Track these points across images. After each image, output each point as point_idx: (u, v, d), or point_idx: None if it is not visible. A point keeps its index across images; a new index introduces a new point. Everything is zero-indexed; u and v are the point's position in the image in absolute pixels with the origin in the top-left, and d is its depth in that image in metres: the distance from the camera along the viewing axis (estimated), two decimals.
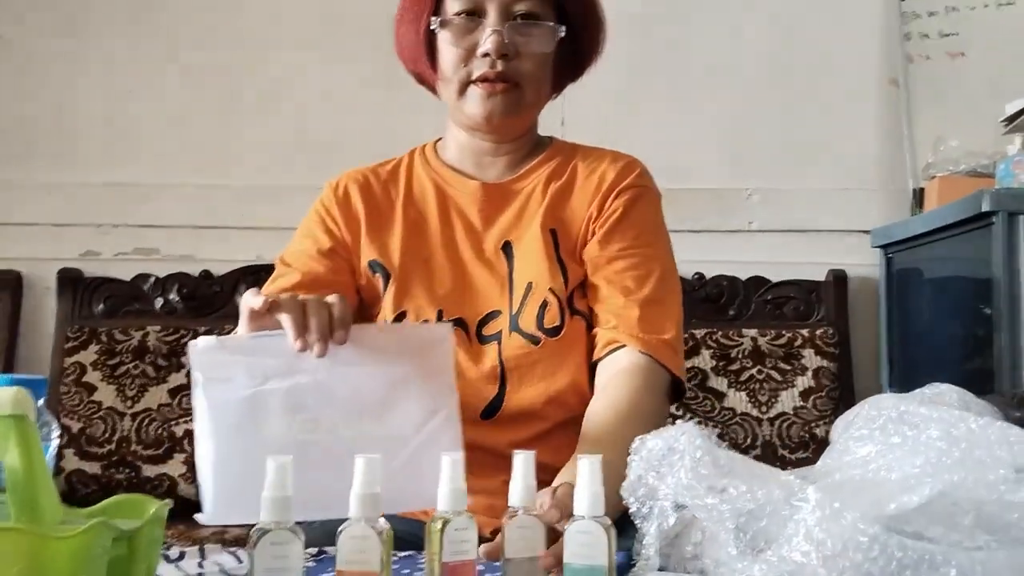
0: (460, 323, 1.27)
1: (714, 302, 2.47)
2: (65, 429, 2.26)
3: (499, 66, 1.24)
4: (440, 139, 1.41)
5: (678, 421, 0.83)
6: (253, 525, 0.77)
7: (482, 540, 0.88)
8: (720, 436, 2.23)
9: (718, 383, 2.35)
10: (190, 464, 2.24)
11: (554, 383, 1.26)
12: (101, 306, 2.46)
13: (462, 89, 1.27)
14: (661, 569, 0.82)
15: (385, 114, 2.49)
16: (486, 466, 1.19)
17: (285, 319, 1.00)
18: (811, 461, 0.91)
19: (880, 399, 0.89)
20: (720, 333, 2.41)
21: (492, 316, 1.28)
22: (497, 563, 0.85)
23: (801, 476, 0.80)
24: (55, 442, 0.85)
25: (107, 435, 2.27)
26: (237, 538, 2.01)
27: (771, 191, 2.55)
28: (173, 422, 2.28)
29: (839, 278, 2.48)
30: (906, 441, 0.80)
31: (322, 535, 0.98)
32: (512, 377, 1.26)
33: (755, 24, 2.60)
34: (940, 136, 2.37)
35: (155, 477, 2.24)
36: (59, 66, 2.58)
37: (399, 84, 1.42)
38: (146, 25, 2.60)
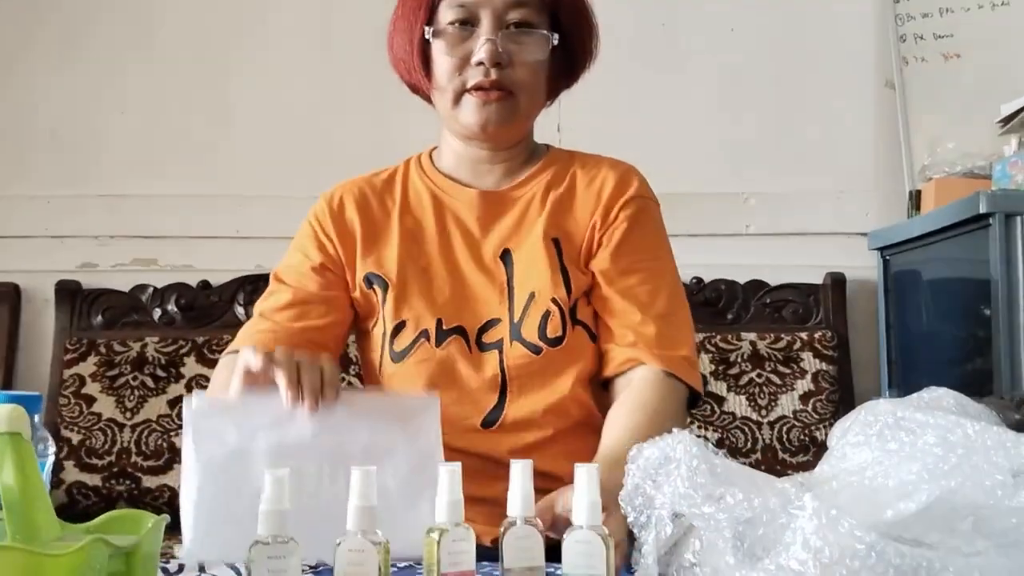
0: (460, 331, 1.27)
1: (713, 306, 2.47)
2: (65, 441, 2.26)
3: (493, 74, 1.24)
4: (435, 148, 1.41)
5: (675, 429, 0.83)
6: (256, 537, 0.77)
7: (482, 549, 0.88)
8: (720, 440, 2.27)
9: (717, 387, 2.35)
10: None
11: (555, 392, 1.26)
12: (99, 317, 2.46)
13: (457, 98, 1.28)
14: None
15: (381, 123, 2.49)
16: (486, 474, 1.19)
17: (280, 376, 1.02)
18: (812, 464, 0.91)
19: (876, 404, 0.89)
20: (719, 337, 2.41)
21: (492, 324, 1.28)
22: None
23: (798, 484, 0.80)
24: (51, 458, 0.85)
25: (107, 446, 2.27)
26: None
27: (768, 195, 2.55)
28: (173, 433, 2.28)
29: (837, 281, 2.48)
30: (903, 447, 0.80)
31: None
32: (513, 386, 1.26)
33: (750, 28, 2.60)
34: (936, 138, 2.37)
35: (155, 488, 2.23)
36: (55, 78, 2.58)
37: (395, 93, 1.42)
38: (141, 36, 2.60)
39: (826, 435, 2.09)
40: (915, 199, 2.41)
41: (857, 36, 2.59)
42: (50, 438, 0.85)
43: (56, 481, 2.22)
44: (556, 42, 1.29)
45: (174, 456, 2.26)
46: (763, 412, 2.33)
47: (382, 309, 1.30)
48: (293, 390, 1.02)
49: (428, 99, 1.36)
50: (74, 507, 2.22)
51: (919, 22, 2.52)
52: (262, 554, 0.76)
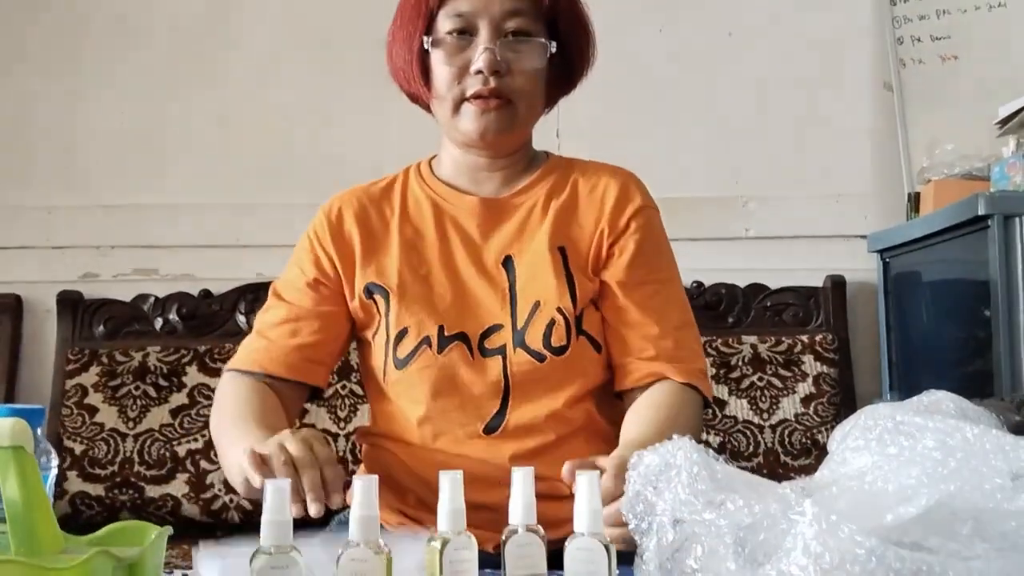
0: (462, 337, 1.27)
1: (713, 309, 2.47)
2: (68, 451, 2.26)
3: (492, 83, 1.25)
4: (435, 156, 1.41)
5: (675, 436, 0.83)
6: (257, 547, 0.78)
7: (484, 556, 0.88)
8: (722, 444, 2.27)
9: (719, 391, 2.35)
10: (193, 484, 2.24)
11: (557, 400, 1.26)
12: (101, 328, 2.46)
13: (456, 107, 1.29)
14: None
15: (381, 131, 2.49)
16: (488, 480, 1.19)
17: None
18: (814, 468, 0.91)
19: (876, 409, 0.89)
20: (720, 341, 2.41)
21: (494, 330, 1.28)
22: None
23: (798, 489, 0.80)
24: (54, 471, 0.85)
25: (109, 456, 2.27)
26: None
27: (767, 198, 2.55)
28: (175, 442, 2.28)
29: (837, 284, 2.48)
30: (902, 451, 0.80)
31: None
32: (516, 392, 1.26)
33: (748, 31, 2.60)
34: (935, 140, 2.37)
35: (159, 498, 2.24)
36: (56, 89, 2.59)
37: (395, 101, 1.43)
38: (142, 47, 2.60)
39: (827, 438, 2.09)
40: (914, 201, 2.41)
41: (855, 39, 2.60)
42: (53, 451, 0.85)
43: (59, 492, 2.22)
44: (554, 50, 1.30)
45: (177, 465, 2.26)
46: (764, 415, 2.33)
47: (385, 317, 1.30)
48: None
49: (428, 108, 1.36)
50: (77, 517, 2.22)
51: (916, 24, 2.52)
52: (265, 564, 0.76)
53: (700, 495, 0.78)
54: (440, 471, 0.86)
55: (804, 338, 2.41)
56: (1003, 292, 1.87)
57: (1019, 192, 2.02)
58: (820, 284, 2.50)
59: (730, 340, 2.41)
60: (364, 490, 0.80)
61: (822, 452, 2.10)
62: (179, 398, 2.33)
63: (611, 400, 1.30)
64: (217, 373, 2.35)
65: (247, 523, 2.21)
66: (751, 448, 2.30)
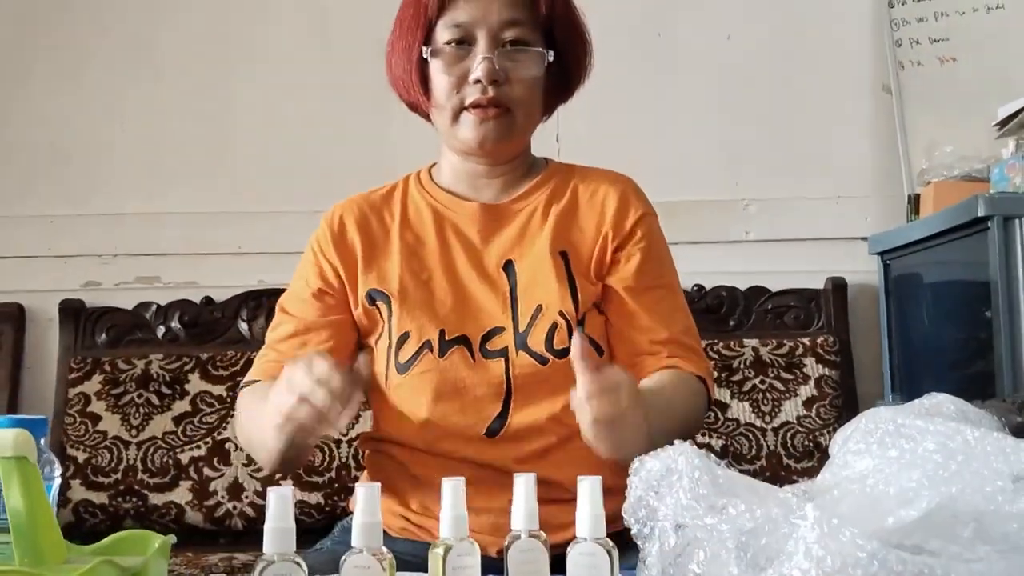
0: (463, 340, 1.28)
1: (714, 313, 2.48)
2: (71, 460, 2.27)
3: (491, 91, 1.27)
4: (434, 164, 1.43)
5: (676, 441, 0.83)
6: (260, 554, 0.78)
7: (487, 561, 0.88)
8: (724, 447, 2.27)
9: (721, 394, 2.36)
10: (196, 491, 2.25)
11: (559, 402, 1.26)
12: (103, 336, 2.46)
13: (455, 115, 1.30)
14: None
15: (381, 138, 2.50)
16: (491, 485, 1.20)
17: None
18: (816, 470, 0.91)
19: (877, 412, 0.90)
20: (721, 344, 2.41)
21: (495, 332, 1.29)
22: None
23: (800, 493, 0.80)
24: (57, 481, 0.85)
25: (113, 464, 2.27)
26: (245, 564, 2.02)
27: (767, 201, 2.56)
28: (178, 449, 2.28)
29: (838, 286, 2.49)
30: (903, 454, 0.80)
31: (325, 563, 0.99)
32: (518, 395, 1.26)
33: (746, 35, 2.61)
34: (934, 141, 2.38)
35: (162, 505, 2.24)
36: (56, 98, 2.60)
37: (394, 109, 1.44)
38: (142, 55, 2.61)
39: (830, 440, 2.09)
40: (914, 203, 2.41)
41: (853, 41, 2.60)
42: (56, 461, 0.85)
43: (63, 500, 2.23)
44: (551, 59, 1.32)
45: (180, 473, 2.26)
46: (767, 418, 2.33)
47: (387, 323, 1.31)
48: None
49: (427, 117, 1.38)
50: (81, 526, 2.23)
51: (915, 26, 2.53)
52: (268, 573, 0.76)
53: (702, 500, 0.78)
54: (442, 478, 0.87)
55: (805, 340, 2.41)
56: (1004, 293, 1.87)
57: (1019, 193, 2.02)
58: (821, 286, 2.50)
59: (731, 343, 2.41)
60: (367, 497, 0.81)
61: (824, 454, 2.10)
62: (182, 406, 2.33)
63: None
64: (220, 380, 2.36)
65: (250, 530, 2.21)
66: (753, 451, 2.30)
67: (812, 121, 2.58)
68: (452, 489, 0.84)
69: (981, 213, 1.90)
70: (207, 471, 2.26)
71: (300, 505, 2.22)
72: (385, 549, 0.80)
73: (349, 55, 2.54)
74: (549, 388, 1.27)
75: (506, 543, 0.86)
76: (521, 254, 1.32)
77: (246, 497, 2.24)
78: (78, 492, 2.25)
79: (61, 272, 2.54)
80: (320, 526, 2.11)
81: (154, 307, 2.49)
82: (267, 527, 0.78)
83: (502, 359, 1.27)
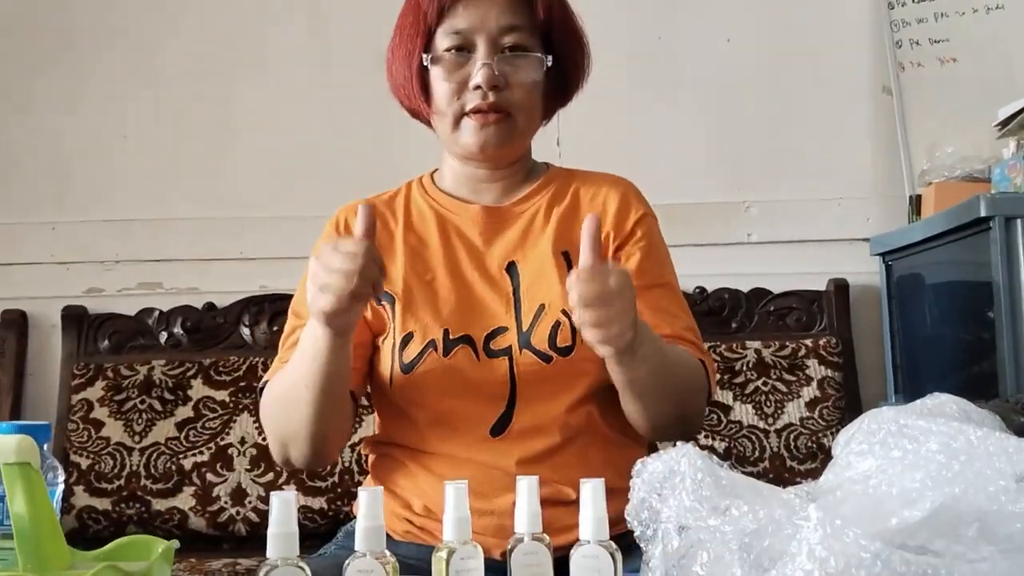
0: (467, 340, 1.28)
1: (716, 315, 2.48)
2: (74, 466, 2.27)
3: (491, 97, 1.28)
4: (436, 170, 1.44)
5: (678, 443, 0.83)
6: (263, 559, 0.78)
7: (490, 563, 0.88)
8: (728, 449, 2.27)
9: (723, 396, 2.35)
10: (199, 497, 2.25)
11: (563, 401, 1.27)
12: (106, 342, 2.47)
13: (456, 121, 1.31)
14: None
15: (381, 143, 2.50)
16: (495, 485, 1.21)
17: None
18: (820, 471, 0.92)
19: (880, 412, 0.90)
20: (724, 346, 2.41)
21: (498, 332, 1.29)
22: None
23: (803, 494, 0.81)
24: (60, 487, 0.85)
25: (116, 471, 2.27)
26: (248, 569, 2.02)
27: (769, 203, 2.56)
28: (181, 455, 2.28)
29: (840, 287, 2.49)
30: (906, 455, 0.80)
31: (329, 567, 0.99)
32: (522, 394, 1.27)
33: (746, 37, 2.61)
34: (935, 142, 2.38)
35: (165, 511, 2.24)
36: (58, 106, 2.60)
37: (394, 114, 1.44)
38: (143, 63, 2.62)
39: (833, 441, 2.09)
40: (915, 204, 2.42)
41: (853, 43, 2.60)
42: (59, 467, 0.85)
43: (66, 506, 2.23)
44: (550, 63, 1.33)
45: (183, 478, 2.26)
46: (770, 420, 2.33)
47: (391, 323, 1.31)
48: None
49: (428, 123, 1.39)
50: (84, 532, 2.23)
51: (914, 28, 2.53)
52: None
53: (705, 501, 0.78)
54: (445, 481, 0.87)
55: (808, 342, 2.41)
56: (1006, 293, 1.87)
57: (1020, 193, 2.02)
58: (823, 288, 2.50)
59: (734, 345, 2.41)
60: (369, 501, 0.81)
61: (827, 456, 2.09)
62: (185, 411, 2.33)
63: (614, 406, 1.30)
64: (222, 386, 2.36)
65: (253, 535, 2.22)
66: (757, 453, 2.30)
67: (813, 123, 2.58)
68: (455, 492, 0.85)
69: (982, 213, 1.91)
70: (210, 476, 2.26)
71: (303, 510, 2.22)
72: (388, 553, 0.80)
73: (350, 62, 2.55)
74: (553, 386, 1.27)
75: (509, 546, 0.86)
76: (524, 255, 1.33)
77: (249, 502, 2.24)
78: (81, 498, 2.25)
79: (63, 279, 2.55)
80: (323, 531, 2.11)
81: (156, 313, 2.49)
82: (270, 532, 0.78)
83: (506, 358, 1.27)
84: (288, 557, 0.77)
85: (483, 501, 1.20)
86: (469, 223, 1.36)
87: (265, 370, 2.35)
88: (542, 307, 1.29)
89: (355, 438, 2.20)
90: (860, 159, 2.58)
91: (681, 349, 1.28)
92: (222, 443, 2.30)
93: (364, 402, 1.42)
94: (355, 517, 0.87)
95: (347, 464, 2.26)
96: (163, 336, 2.47)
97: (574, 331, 1.27)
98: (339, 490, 2.25)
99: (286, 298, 2.41)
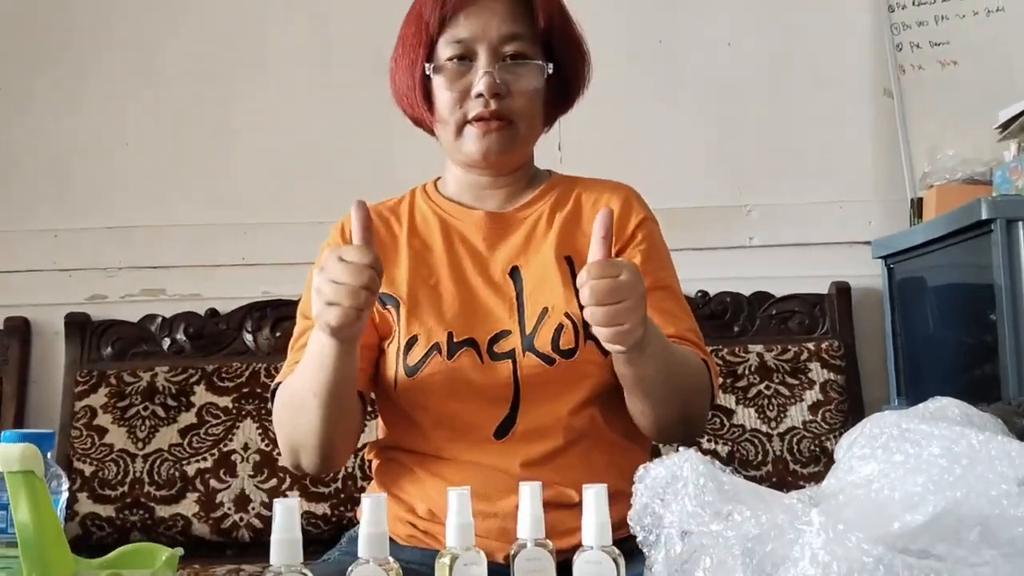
0: (471, 343, 1.29)
1: (719, 319, 2.48)
2: (77, 473, 2.27)
3: (493, 105, 1.29)
4: (439, 178, 1.45)
5: (680, 448, 0.83)
6: (267, 566, 0.78)
7: (493, 567, 0.89)
8: (730, 453, 2.27)
9: (726, 400, 2.35)
10: (203, 503, 2.25)
11: (567, 403, 1.28)
12: (109, 349, 2.47)
13: (459, 129, 1.33)
14: None
15: (382, 149, 2.51)
16: (499, 488, 1.21)
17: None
18: (823, 475, 0.92)
19: (882, 416, 0.90)
20: (726, 350, 2.41)
21: (502, 335, 1.30)
22: None
23: (805, 498, 0.81)
24: (64, 494, 0.86)
25: (119, 477, 2.28)
26: (252, 575, 2.02)
27: (770, 206, 2.56)
28: (184, 461, 2.28)
29: (842, 290, 2.48)
30: (908, 459, 0.80)
31: (332, 573, 0.99)
32: (526, 396, 1.27)
33: (746, 41, 2.61)
34: (936, 145, 2.38)
35: (169, 518, 2.24)
36: (59, 112, 2.61)
37: (395, 120, 1.45)
38: (144, 69, 2.62)
39: (836, 445, 2.08)
40: (917, 207, 2.41)
41: (854, 46, 2.60)
42: (63, 475, 0.86)
43: (70, 513, 2.23)
44: (551, 71, 1.34)
45: (187, 485, 2.26)
46: (772, 424, 2.33)
47: (396, 327, 1.32)
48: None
49: (431, 131, 1.41)
50: (88, 539, 2.23)
51: (915, 30, 2.53)
52: None
53: (707, 506, 0.78)
54: (448, 488, 0.87)
55: (810, 345, 2.41)
56: (1008, 296, 1.87)
57: (1021, 196, 2.02)
58: (825, 291, 2.50)
59: (736, 349, 2.41)
60: (373, 507, 0.81)
61: (830, 460, 2.09)
62: (188, 418, 2.34)
63: (617, 409, 1.30)
64: (225, 392, 2.36)
65: (257, 542, 2.22)
66: (760, 457, 2.30)
67: (813, 126, 2.59)
68: (458, 498, 0.85)
69: (984, 216, 1.91)
70: (213, 483, 2.26)
71: (306, 516, 2.22)
72: (392, 559, 0.81)
73: (351, 68, 2.55)
74: (556, 388, 1.27)
75: (512, 551, 0.86)
76: (527, 260, 1.34)
77: (253, 508, 2.24)
78: (85, 505, 2.25)
79: (66, 286, 2.55)
80: (327, 537, 2.11)
81: (159, 319, 2.49)
82: (274, 538, 0.78)
83: (509, 361, 1.28)
84: (292, 564, 0.77)
85: (487, 504, 1.20)
86: (473, 228, 1.37)
87: (268, 376, 2.36)
88: (545, 310, 1.29)
89: (358, 443, 2.20)
90: (861, 162, 2.58)
91: (686, 349, 1.29)
92: (225, 449, 2.30)
93: (367, 408, 1.42)
94: (358, 522, 0.88)
95: (350, 470, 2.26)
96: (166, 342, 2.48)
97: (577, 334, 1.27)
98: (342, 495, 2.25)
99: (289, 304, 2.43)
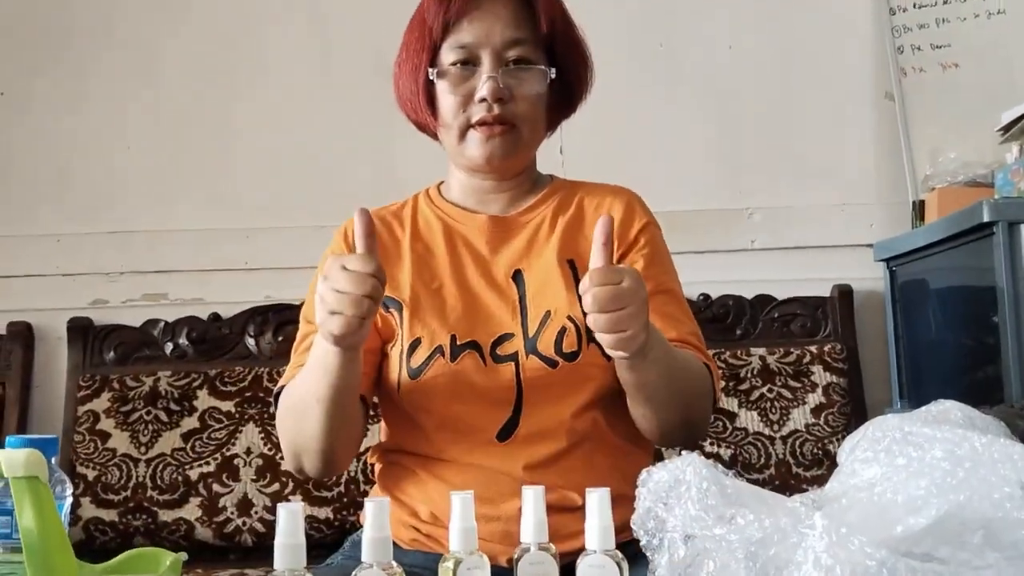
0: (474, 345, 1.29)
1: (721, 322, 2.47)
2: (80, 477, 2.27)
3: (496, 109, 1.30)
4: (442, 182, 1.46)
5: (683, 452, 0.84)
6: (270, 570, 0.78)
7: (497, 570, 0.89)
8: (733, 457, 2.27)
9: (728, 403, 2.35)
10: (205, 507, 2.25)
11: (569, 406, 1.28)
12: (112, 354, 2.47)
13: (462, 134, 1.33)
14: None
15: (384, 154, 2.51)
16: (502, 491, 1.22)
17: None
18: (826, 478, 0.92)
19: (885, 420, 0.90)
20: (728, 353, 2.41)
21: (505, 338, 1.30)
22: None
23: (808, 502, 0.81)
24: (68, 500, 0.86)
25: (122, 482, 2.28)
26: None
27: (772, 209, 2.56)
28: (187, 466, 2.29)
29: (844, 293, 2.48)
30: (911, 462, 0.80)
31: None
32: (528, 398, 1.27)
33: (748, 45, 2.61)
34: (937, 148, 2.38)
35: (172, 522, 2.24)
36: (61, 117, 2.61)
37: (397, 124, 1.45)
38: (145, 74, 2.62)
39: (839, 448, 2.08)
40: (919, 209, 2.41)
41: (855, 49, 2.60)
42: (67, 480, 0.86)
43: (73, 518, 2.23)
44: (553, 76, 1.35)
45: (189, 489, 2.27)
46: (775, 427, 2.33)
47: (399, 330, 1.32)
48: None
49: (434, 136, 1.41)
50: (91, 544, 2.23)
51: (916, 33, 2.53)
52: None
53: (710, 510, 0.78)
54: (452, 492, 0.87)
55: (813, 348, 2.41)
56: (1010, 298, 1.87)
57: (1023, 198, 2.02)
58: (827, 294, 2.50)
59: (739, 352, 2.41)
60: (376, 512, 0.81)
61: (833, 462, 2.09)
62: (190, 422, 2.34)
63: (620, 413, 1.31)
64: (228, 396, 2.36)
65: (260, 546, 2.22)
66: (763, 460, 2.30)
67: (815, 129, 2.59)
68: (461, 503, 0.85)
69: (986, 219, 1.90)
70: (216, 487, 2.26)
71: (309, 520, 2.22)
72: (395, 563, 0.81)
73: (354, 72, 2.56)
74: (559, 391, 1.28)
75: (516, 556, 0.86)
76: (529, 264, 1.35)
77: (255, 513, 2.24)
78: (88, 510, 2.25)
79: (69, 290, 2.55)
80: (330, 541, 2.11)
81: (162, 324, 2.50)
82: (277, 543, 0.78)
83: (512, 363, 1.28)
84: (295, 568, 0.78)
85: (490, 507, 1.20)
86: (476, 232, 1.38)
87: (271, 380, 2.36)
88: (548, 313, 1.30)
89: (361, 447, 2.20)
90: (863, 165, 2.58)
91: (688, 353, 1.29)
92: (228, 453, 2.30)
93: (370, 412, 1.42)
94: (361, 527, 0.88)
95: (353, 474, 2.26)
96: (168, 347, 2.48)
97: (580, 337, 1.28)
98: (345, 500, 2.25)
99: (291, 308, 2.44)
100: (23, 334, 2.51)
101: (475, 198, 1.41)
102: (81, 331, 2.49)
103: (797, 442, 2.31)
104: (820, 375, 2.37)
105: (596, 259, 1.12)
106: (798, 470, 2.29)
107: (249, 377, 2.38)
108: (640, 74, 2.59)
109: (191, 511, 2.25)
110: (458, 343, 1.29)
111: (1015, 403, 1.73)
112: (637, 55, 2.60)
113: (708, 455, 1.08)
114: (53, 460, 0.83)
